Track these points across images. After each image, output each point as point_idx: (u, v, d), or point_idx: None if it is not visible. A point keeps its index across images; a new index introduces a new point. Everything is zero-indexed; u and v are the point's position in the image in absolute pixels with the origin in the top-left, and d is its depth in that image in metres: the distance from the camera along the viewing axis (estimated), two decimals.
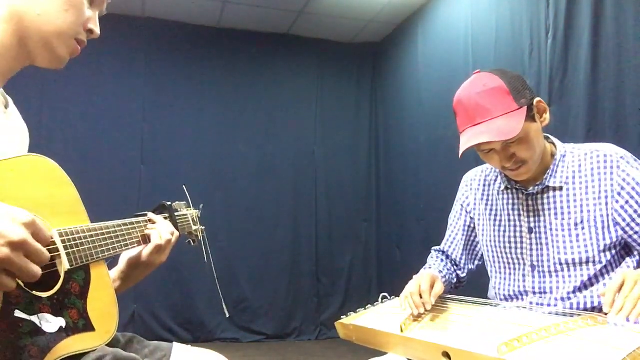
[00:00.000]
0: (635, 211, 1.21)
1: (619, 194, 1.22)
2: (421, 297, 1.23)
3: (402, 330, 1.16)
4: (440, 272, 1.45)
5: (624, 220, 1.22)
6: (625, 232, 1.23)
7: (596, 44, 2.31)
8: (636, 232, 1.21)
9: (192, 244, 1.40)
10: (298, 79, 4.62)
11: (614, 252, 1.24)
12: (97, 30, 0.98)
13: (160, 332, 3.97)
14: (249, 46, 4.46)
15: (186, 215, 1.31)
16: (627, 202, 1.22)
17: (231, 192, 4.34)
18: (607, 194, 1.23)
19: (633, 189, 1.21)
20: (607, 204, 1.24)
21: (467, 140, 1.21)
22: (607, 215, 1.24)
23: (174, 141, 4.21)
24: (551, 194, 1.30)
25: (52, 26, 0.89)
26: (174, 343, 1.06)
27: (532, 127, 1.23)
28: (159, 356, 1.01)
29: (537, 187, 1.31)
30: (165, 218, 1.19)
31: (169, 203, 1.25)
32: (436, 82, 3.72)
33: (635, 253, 1.24)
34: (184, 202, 1.35)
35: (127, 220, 1.06)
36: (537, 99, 1.27)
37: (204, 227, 1.40)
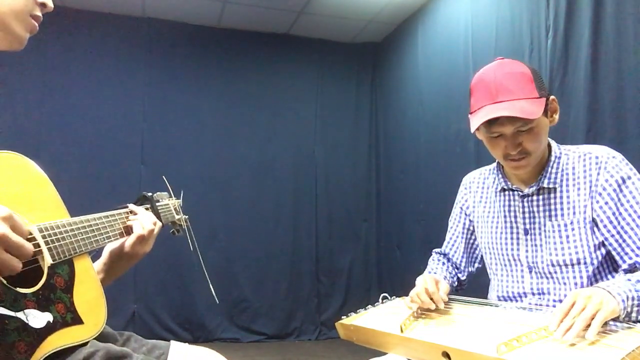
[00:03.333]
0: (614, 213, 1.20)
1: (600, 194, 1.22)
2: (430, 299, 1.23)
3: (402, 331, 1.16)
4: (445, 277, 1.45)
5: (601, 221, 1.22)
6: (602, 234, 1.22)
7: (596, 44, 2.31)
8: (612, 235, 1.20)
9: (177, 233, 1.40)
10: (298, 79, 4.62)
11: (604, 252, 1.24)
12: (51, 4, 0.96)
13: (160, 332, 3.97)
14: (249, 46, 4.46)
15: (168, 204, 1.32)
16: (606, 202, 1.21)
17: (231, 192, 4.34)
18: (593, 193, 1.23)
19: (614, 190, 1.21)
20: (592, 203, 1.24)
21: (487, 113, 1.19)
22: (593, 215, 1.24)
23: (174, 141, 4.21)
24: (545, 195, 1.30)
25: (4, 7, 0.88)
26: (172, 341, 1.05)
27: (544, 121, 1.24)
28: (156, 354, 1.01)
29: (531, 188, 1.31)
30: (147, 209, 1.20)
31: (149, 194, 1.25)
32: (436, 82, 3.72)
33: (625, 257, 1.21)
34: (166, 193, 1.35)
35: (108, 213, 1.06)
36: (552, 96, 1.28)
37: (187, 216, 1.40)
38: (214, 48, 4.39)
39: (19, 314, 0.75)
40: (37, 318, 0.78)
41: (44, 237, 0.83)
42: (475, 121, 1.22)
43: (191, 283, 4.05)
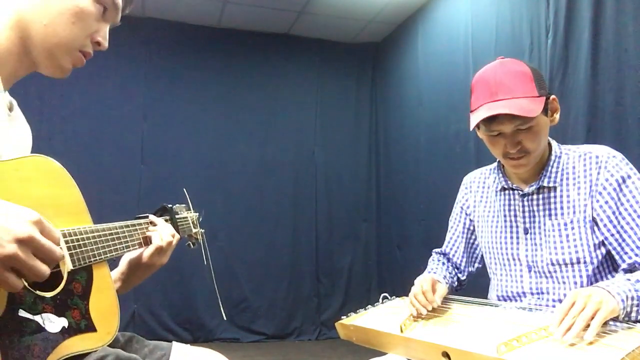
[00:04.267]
0: (613, 212, 1.20)
1: (600, 193, 1.22)
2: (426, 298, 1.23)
3: (402, 331, 1.16)
4: (444, 277, 1.45)
5: (601, 220, 1.22)
6: (602, 234, 1.22)
7: (596, 44, 2.31)
8: (612, 235, 1.21)
9: (192, 246, 1.41)
10: (298, 79, 4.62)
11: (604, 251, 1.24)
12: (105, 43, 0.98)
13: (160, 332, 3.97)
14: (249, 46, 4.46)
15: (186, 217, 1.32)
16: (606, 202, 1.21)
17: (231, 192, 4.34)
18: (593, 192, 1.24)
19: (614, 189, 1.21)
20: (592, 202, 1.24)
21: (486, 111, 1.19)
22: (593, 215, 1.24)
23: (174, 141, 4.21)
24: (545, 194, 1.31)
25: (56, 38, 0.89)
26: (173, 342, 1.06)
27: (544, 120, 1.24)
28: (158, 355, 1.01)
29: (532, 187, 1.31)
30: (166, 220, 1.20)
31: (169, 205, 1.26)
32: (436, 82, 3.72)
33: (625, 257, 1.21)
34: (184, 205, 1.35)
35: (129, 222, 1.07)
36: (553, 96, 1.28)
37: (203, 230, 1.41)
38: (214, 48, 4.39)
39: (37, 318, 0.76)
40: (53, 323, 0.78)
41: (66, 242, 0.83)
42: (475, 119, 1.23)
43: (191, 283, 4.06)
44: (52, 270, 0.80)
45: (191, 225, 1.34)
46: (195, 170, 4.19)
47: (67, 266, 0.83)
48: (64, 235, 0.83)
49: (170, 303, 4.08)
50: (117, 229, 1.00)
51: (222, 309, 1.40)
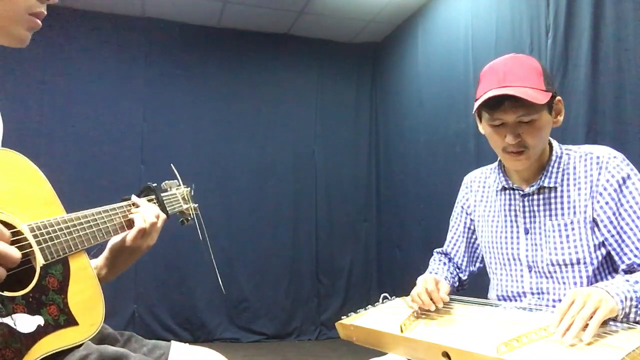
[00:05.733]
0: (614, 213, 1.20)
1: (601, 194, 1.22)
2: (430, 299, 1.23)
3: (402, 331, 1.16)
4: (446, 278, 1.45)
5: (601, 221, 1.22)
6: (602, 234, 1.22)
7: (596, 44, 2.31)
8: (612, 235, 1.21)
9: (185, 223, 1.34)
10: (298, 79, 4.62)
11: (604, 252, 1.24)
12: None
13: (160, 332, 3.97)
14: (249, 46, 4.46)
15: (175, 194, 1.27)
16: (606, 202, 1.21)
17: (231, 192, 4.34)
18: (594, 193, 1.24)
19: (615, 190, 1.21)
20: (592, 203, 1.24)
21: (494, 93, 1.18)
22: (593, 215, 1.24)
23: (174, 141, 4.21)
24: (546, 194, 1.30)
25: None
26: (172, 342, 1.05)
27: (547, 118, 1.24)
28: (157, 355, 1.00)
29: (532, 187, 1.31)
30: (151, 200, 1.17)
31: (154, 184, 1.21)
32: (436, 83, 3.72)
33: (624, 258, 1.21)
34: (175, 181, 1.30)
35: (108, 207, 1.03)
36: (559, 97, 1.28)
37: (197, 205, 1.35)
38: (214, 48, 4.39)
39: (6, 320, 0.72)
40: (26, 322, 0.75)
41: (35, 236, 0.80)
42: (483, 96, 1.21)
43: (191, 283, 4.06)
44: (23, 267, 0.77)
45: (181, 201, 1.28)
46: (195, 171, 4.19)
47: (38, 261, 0.80)
48: (32, 230, 0.80)
49: (170, 303, 4.08)
50: (94, 215, 0.96)
51: (221, 283, 1.36)
